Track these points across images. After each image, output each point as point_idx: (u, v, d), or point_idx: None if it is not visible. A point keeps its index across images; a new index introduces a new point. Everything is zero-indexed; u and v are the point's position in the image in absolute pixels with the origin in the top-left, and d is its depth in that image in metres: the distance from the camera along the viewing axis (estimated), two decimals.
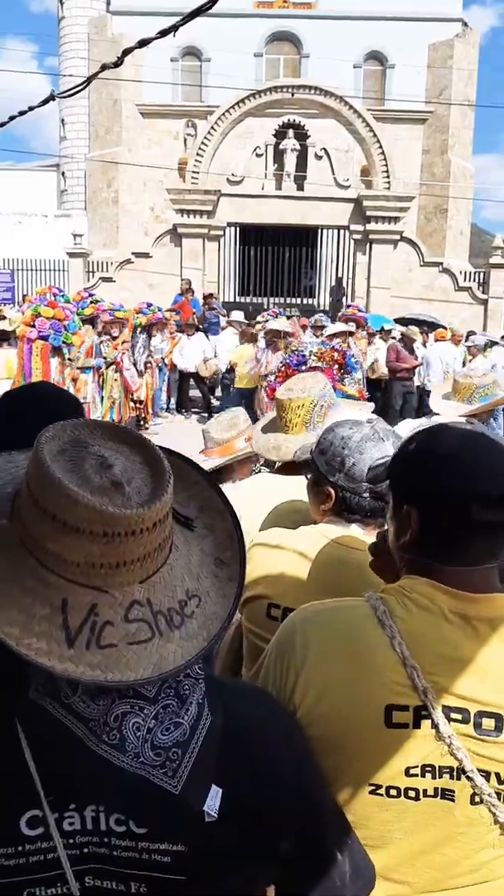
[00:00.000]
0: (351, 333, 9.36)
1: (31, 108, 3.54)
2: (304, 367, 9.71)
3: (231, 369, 10.82)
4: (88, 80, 2.42)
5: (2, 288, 19.31)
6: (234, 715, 0.83)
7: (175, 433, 10.09)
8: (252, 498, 2.06)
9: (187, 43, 22.24)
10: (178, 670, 0.75)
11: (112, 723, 0.76)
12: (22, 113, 3.94)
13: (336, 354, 7.60)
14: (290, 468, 2.13)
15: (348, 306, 11.61)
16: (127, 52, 2.13)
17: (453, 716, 0.97)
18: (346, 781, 1.00)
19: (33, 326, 6.91)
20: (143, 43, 2.14)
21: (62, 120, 25.66)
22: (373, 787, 0.99)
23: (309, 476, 1.64)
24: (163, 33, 2.17)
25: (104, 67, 2.20)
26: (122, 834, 0.77)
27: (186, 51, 22.46)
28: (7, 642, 0.70)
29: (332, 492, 1.51)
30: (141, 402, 10.43)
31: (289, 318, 12.33)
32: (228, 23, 21.32)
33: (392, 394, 10.69)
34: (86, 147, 23.40)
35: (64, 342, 6.83)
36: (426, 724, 0.98)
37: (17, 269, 19.32)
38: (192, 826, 0.77)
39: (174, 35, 2.19)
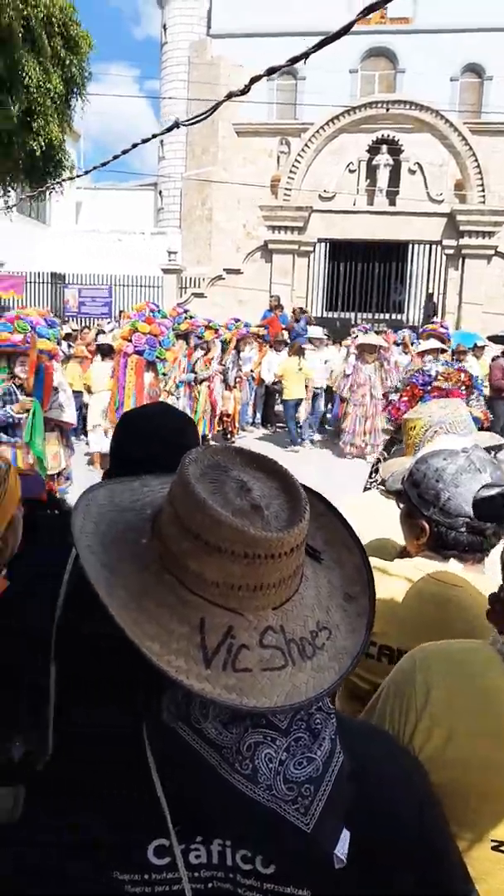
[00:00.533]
0: (443, 351, 9.23)
1: (154, 136, 3.71)
2: (429, 387, 9.51)
3: (277, 382, 10.93)
4: (215, 107, 2.51)
5: (100, 303, 20.20)
6: (350, 752, 0.80)
7: (258, 447, 10.18)
8: (354, 515, 1.94)
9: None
10: (309, 701, 0.73)
11: (245, 752, 0.75)
12: (144, 141, 4.13)
13: (463, 375, 7.38)
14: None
15: (431, 322, 11.38)
16: (255, 79, 2.22)
17: None
18: (466, 834, 0.94)
19: (130, 341, 7.21)
20: (271, 71, 2.22)
21: (161, 141, 26.62)
22: (496, 843, 0.95)
23: (402, 506, 1.57)
24: (293, 60, 2.24)
25: (230, 96, 2.29)
26: (247, 872, 0.76)
27: (282, 70, 22.81)
28: (149, 657, 0.70)
29: (427, 526, 1.44)
30: (228, 415, 10.66)
31: (378, 332, 12.27)
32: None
33: (497, 413, 10.43)
34: (182, 166, 24.16)
35: (158, 357, 7.02)
36: None
37: (115, 285, 20.12)
38: (320, 870, 0.74)
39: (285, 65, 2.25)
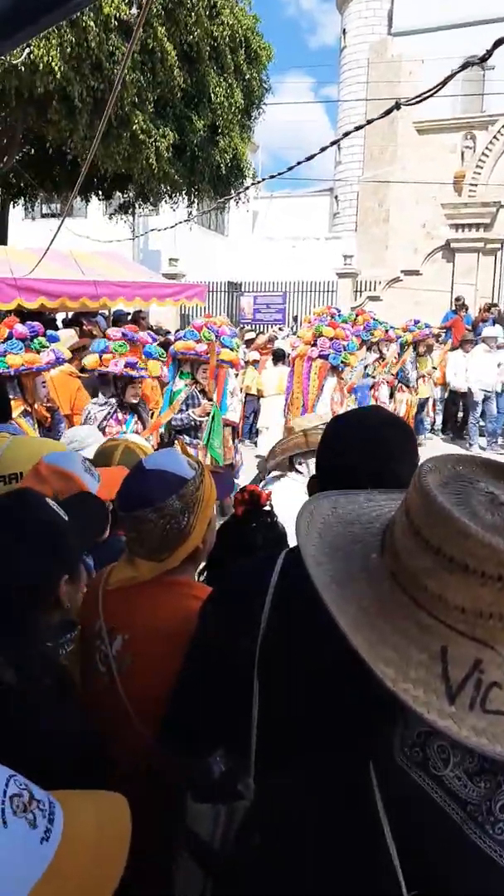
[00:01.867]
0: None
1: (333, 143, 3.55)
2: None
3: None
4: (389, 111, 2.37)
5: (274, 310, 20.41)
6: None
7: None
8: None
9: (469, 54, 21.45)
10: None
11: (498, 813, 0.66)
12: (323, 149, 3.97)
13: None
14: None
15: None
16: (436, 87, 2.04)
17: None
18: None
19: (315, 345, 7.05)
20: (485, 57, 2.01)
21: (339, 146, 26.46)
22: None
23: None
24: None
25: (396, 106, 2.12)
26: None
27: (469, 61, 21.68)
28: (385, 683, 0.63)
29: None
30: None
31: None
32: None
33: None
34: (359, 170, 23.81)
35: (343, 362, 6.83)
36: None
37: (289, 292, 20.25)
38: None
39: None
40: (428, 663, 0.64)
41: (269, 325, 19.03)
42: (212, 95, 13.25)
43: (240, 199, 16.39)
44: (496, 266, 16.81)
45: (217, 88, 13.32)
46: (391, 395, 9.71)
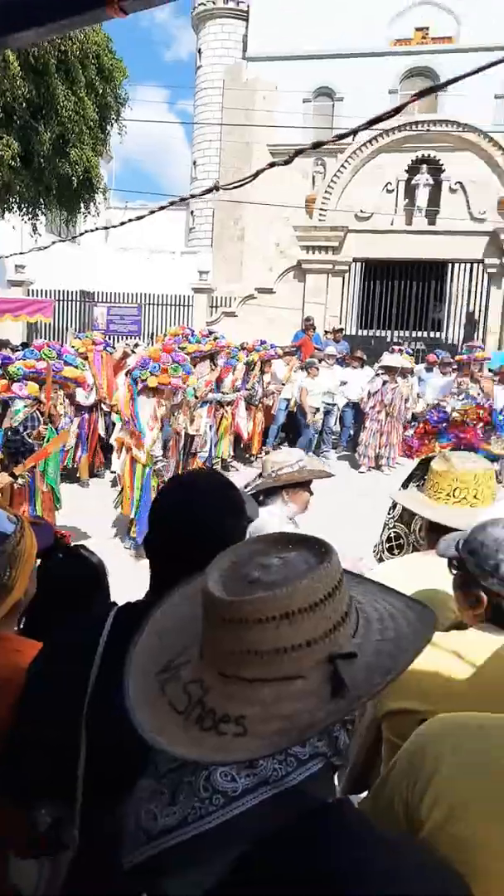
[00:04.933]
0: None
1: (192, 196, 3.40)
2: (444, 425, 9.35)
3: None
4: (256, 175, 2.35)
5: (129, 321, 19.91)
6: (370, 866, 0.77)
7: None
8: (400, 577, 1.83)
9: (320, 84, 22.43)
10: (155, 745, 0.75)
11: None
12: (171, 204, 3.82)
13: (482, 412, 6.97)
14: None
15: (474, 348, 10.70)
16: (298, 152, 2.02)
17: None
18: None
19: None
20: (317, 145, 2.00)
21: (194, 162, 26.60)
22: None
23: (455, 571, 1.53)
24: (318, 145, 2.18)
25: (272, 165, 2.18)
26: None
27: (319, 91, 22.64)
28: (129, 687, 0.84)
29: (485, 596, 1.43)
30: (247, 437, 10.14)
31: (413, 353, 11.88)
32: (363, 62, 21.29)
33: None
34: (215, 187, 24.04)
35: (140, 378, 6.22)
36: None
37: (145, 304, 19.85)
38: None
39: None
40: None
41: (125, 337, 18.54)
42: (60, 108, 13.10)
43: (90, 211, 16.15)
44: (344, 287, 17.47)
45: (66, 101, 13.22)
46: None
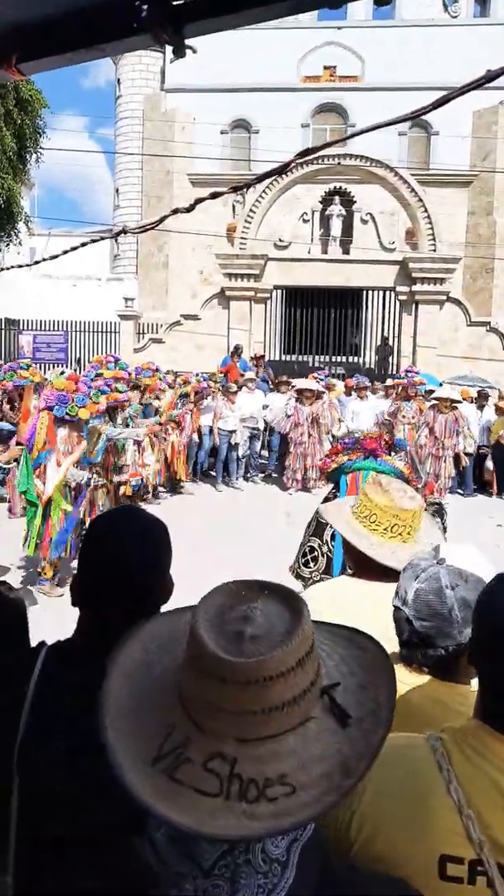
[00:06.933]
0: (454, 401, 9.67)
1: (101, 238, 3.57)
2: (351, 445, 10.04)
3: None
4: (163, 218, 2.30)
5: (55, 349, 19.96)
6: None
7: (207, 492, 10.23)
8: (326, 601, 1.96)
9: (236, 117, 23.25)
10: (214, 838, 0.71)
11: (170, 880, 0.76)
12: (100, 239, 4.02)
13: (388, 437, 7.60)
14: (370, 573, 2.02)
15: (410, 373, 11.36)
16: (199, 200, 1.99)
17: None
18: None
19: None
20: (214, 195, 2.00)
21: (117, 190, 26.89)
22: None
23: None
24: (234, 189, 2.01)
25: (175, 211, 2.08)
26: None
27: (236, 123, 23.45)
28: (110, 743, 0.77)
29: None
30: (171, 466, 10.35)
31: (335, 376, 12.59)
32: (276, 97, 22.26)
33: None
34: (138, 215, 24.38)
35: (68, 414, 6.06)
36: (482, 881, 0.90)
37: (72, 331, 19.94)
38: None
39: (244, 192, 2.16)
40: (159, 734, 0.77)
41: (52, 365, 18.58)
42: None
43: (11, 239, 16.07)
44: (266, 314, 18.12)
45: None
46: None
